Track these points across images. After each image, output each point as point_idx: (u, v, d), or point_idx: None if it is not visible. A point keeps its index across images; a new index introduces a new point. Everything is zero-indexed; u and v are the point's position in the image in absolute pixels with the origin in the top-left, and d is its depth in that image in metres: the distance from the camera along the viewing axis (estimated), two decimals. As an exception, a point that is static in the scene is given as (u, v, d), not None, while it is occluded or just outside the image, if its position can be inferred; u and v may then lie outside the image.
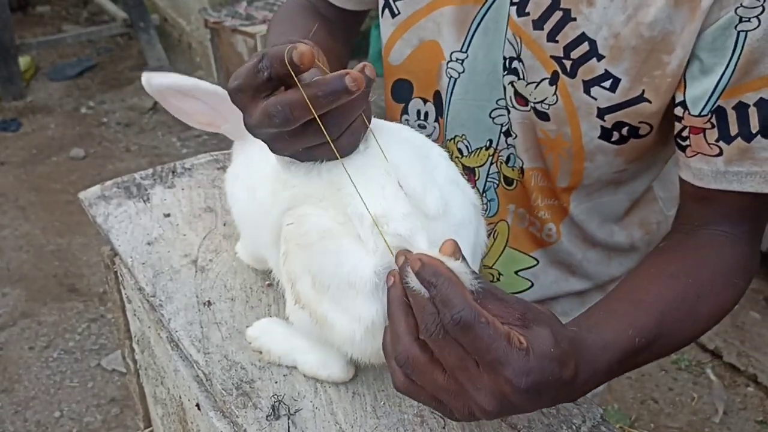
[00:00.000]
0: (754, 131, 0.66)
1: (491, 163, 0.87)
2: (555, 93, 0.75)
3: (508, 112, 0.81)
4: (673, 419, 2.21)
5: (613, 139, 0.75)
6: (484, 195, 0.89)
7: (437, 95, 0.86)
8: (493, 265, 0.92)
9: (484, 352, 0.48)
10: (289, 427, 0.66)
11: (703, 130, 0.69)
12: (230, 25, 3.31)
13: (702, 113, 0.68)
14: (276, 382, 0.70)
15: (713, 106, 0.67)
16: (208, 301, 0.80)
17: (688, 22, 0.66)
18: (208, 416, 0.71)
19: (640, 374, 2.37)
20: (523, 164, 0.84)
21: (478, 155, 0.87)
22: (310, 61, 0.51)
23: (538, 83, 0.76)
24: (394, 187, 0.59)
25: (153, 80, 0.69)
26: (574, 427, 0.66)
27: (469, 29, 0.79)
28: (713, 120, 0.68)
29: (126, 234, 0.90)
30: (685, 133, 0.71)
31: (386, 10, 0.85)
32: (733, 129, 0.67)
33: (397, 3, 0.83)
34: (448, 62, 0.82)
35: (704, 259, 0.71)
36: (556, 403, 0.56)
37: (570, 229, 0.88)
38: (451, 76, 0.83)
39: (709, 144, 0.69)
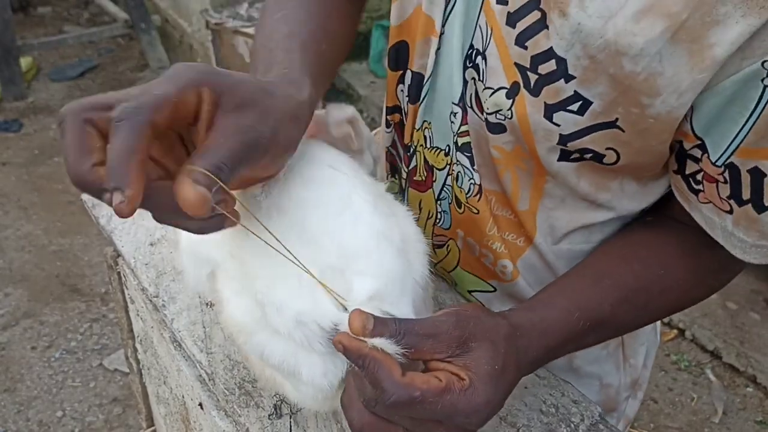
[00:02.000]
0: (767, 204, 0.57)
1: (447, 173, 0.75)
2: (511, 108, 0.62)
3: (465, 114, 0.69)
4: (672, 419, 2.22)
5: (572, 158, 0.64)
6: (438, 203, 0.78)
7: (416, 74, 0.73)
8: (450, 271, 0.83)
9: (430, 414, 0.48)
10: (291, 426, 0.67)
11: (717, 181, 0.59)
12: (232, 26, 3.32)
13: (717, 163, 0.57)
14: (278, 382, 0.71)
15: (726, 159, 0.56)
16: (211, 302, 0.81)
17: (687, 69, 0.52)
18: (210, 415, 0.72)
19: (639, 374, 2.37)
20: (481, 182, 0.71)
21: (437, 155, 0.75)
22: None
23: (495, 91, 0.63)
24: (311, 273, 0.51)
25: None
26: (572, 425, 0.67)
27: (447, 3, 0.66)
28: (726, 175, 0.57)
29: (129, 235, 0.91)
30: (699, 177, 0.60)
31: None
32: (746, 193, 0.57)
33: None
34: (440, 35, 0.68)
35: (685, 255, 0.66)
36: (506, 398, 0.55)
37: (530, 270, 0.75)
38: (434, 53, 0.69)
39: (721, 198, 0.59)
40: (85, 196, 0.98)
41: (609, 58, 0.54)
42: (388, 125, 0.84)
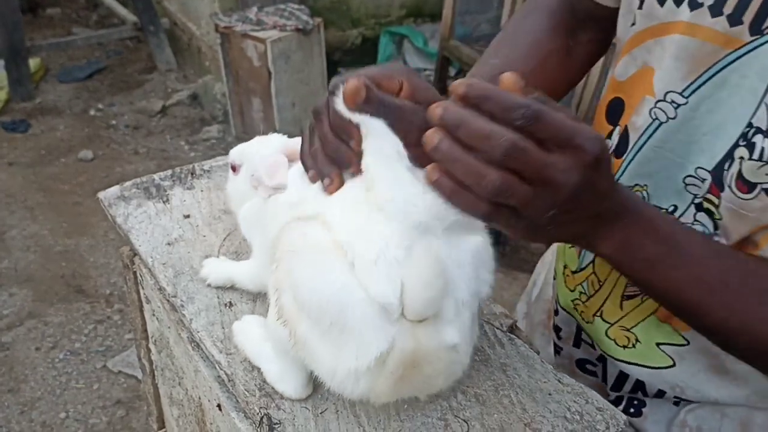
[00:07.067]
0: None
1: None
2: None
3: (715, 184, 0.67)
4: None
5: None
6: None
7: (624, 131, 0.75)
8: (631, 327, 0.80)
9: (559, 131, 0.48)
10: (312, 428, 0.66)
11: None
12: (240, 30, 3.32)
13: None
14: (299, 384, 0.70)
15: None
16: (230, 302, 0.80)
17: None
18: (230, 417, 0.71)
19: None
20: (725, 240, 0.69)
21: None
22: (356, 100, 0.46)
23: None
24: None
25: None
26: (597, 433, 0.66)
27: (704, 73, 0.66)
28: None
29: (146, 234, 0.90)
30: None
31: (628, 15, 0.74)
32: None
33: (638, 11, 0.72)
34: (658, 101, 0.70)
35: None
36: (599, 199, 0.54)
37: None
38: (656, 118, 0.70)
39: None
40: (102, 195, 0.98)
41: None
42: None
